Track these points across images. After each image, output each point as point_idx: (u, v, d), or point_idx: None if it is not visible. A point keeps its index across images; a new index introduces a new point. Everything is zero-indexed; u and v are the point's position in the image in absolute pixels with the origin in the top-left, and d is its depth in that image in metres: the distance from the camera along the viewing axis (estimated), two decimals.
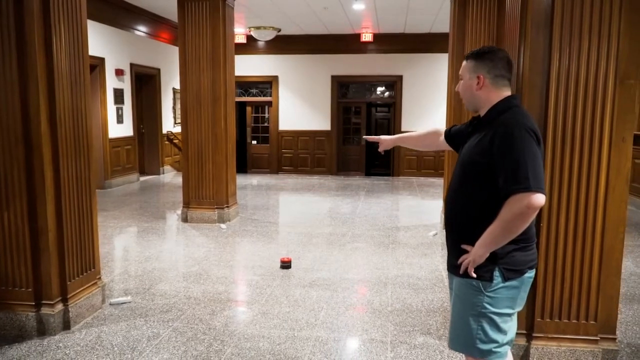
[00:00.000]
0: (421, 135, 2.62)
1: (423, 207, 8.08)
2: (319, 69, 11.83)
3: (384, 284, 4.37)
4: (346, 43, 11.47)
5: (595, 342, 2.84)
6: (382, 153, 2.80)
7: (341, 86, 12.07)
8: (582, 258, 2.77)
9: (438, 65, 10.83)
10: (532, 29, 2.75)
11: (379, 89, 12.22)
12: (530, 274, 1.99)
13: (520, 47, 2.86)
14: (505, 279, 1.92)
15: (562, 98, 2.71)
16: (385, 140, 2.71)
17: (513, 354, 2.90)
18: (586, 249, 2.76)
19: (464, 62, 2.09)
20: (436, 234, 6.14)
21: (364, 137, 2.99)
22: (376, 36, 11.21)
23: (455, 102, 6.27)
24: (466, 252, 1.97)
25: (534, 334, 2.87)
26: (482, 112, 2.05)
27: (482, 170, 1.92)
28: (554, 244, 2.78)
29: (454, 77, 6.23)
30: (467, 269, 1.94)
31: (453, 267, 2.06)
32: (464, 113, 6.16)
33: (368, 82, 12.07)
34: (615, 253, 2.82)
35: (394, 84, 11.79)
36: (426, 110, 11.48)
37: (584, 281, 2.79)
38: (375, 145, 2.79)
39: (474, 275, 1.92)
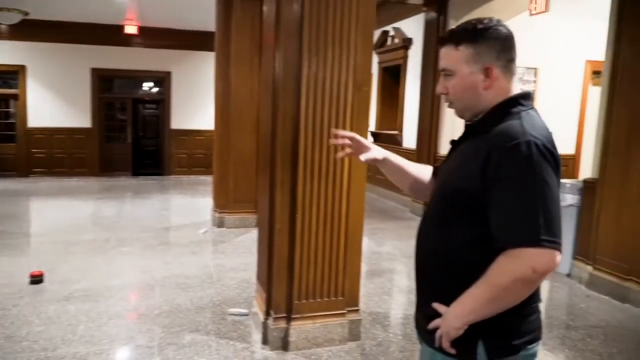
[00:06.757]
0: (417, 170, 1.69)
1: (193, 206, 8.04)
2: (77, 61, 10.69)
3: (152, 287, 4.21)
4: (108, 34, 10.59)
5: (343, 315, 3.25)
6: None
7: (103, 80, 11.14)
8: (331, 242, 3.13)
9: (208, 63, 10.84)
10: (285, 37, 2.99)
11: (147, 85, 11.68)
12: (532, 350, 1.35)
13: (275, 53, 3.08)
14: (490, 358, 1.32)
15: (311, 100, 3.01)
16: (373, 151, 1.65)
17: (274, 337, 3.12)
18: (334, 234, 3.13)
19: (449, 49, 1.39)
20: (206, 231, 6.18)
21: None
22: (142, 29, 10.64)
23: (222, 102, 6.25)
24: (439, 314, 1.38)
25: (293, 316, 3.13)
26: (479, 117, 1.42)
27: (470, 202, 1.31)
28: (307, 232, 3.07)
29: (220, 76, 6.24)
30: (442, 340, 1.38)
31: (423, 332, 1.47)
32: (232, 113, 6.15)
33: (134, 77, 11.41)
34: (357, 235, 3.28)
35: (163, 80, 11.40)
36: (196, 108, 11.39)
37: (332, 263, 3.15)
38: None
39: (452, 351, 1.35)
